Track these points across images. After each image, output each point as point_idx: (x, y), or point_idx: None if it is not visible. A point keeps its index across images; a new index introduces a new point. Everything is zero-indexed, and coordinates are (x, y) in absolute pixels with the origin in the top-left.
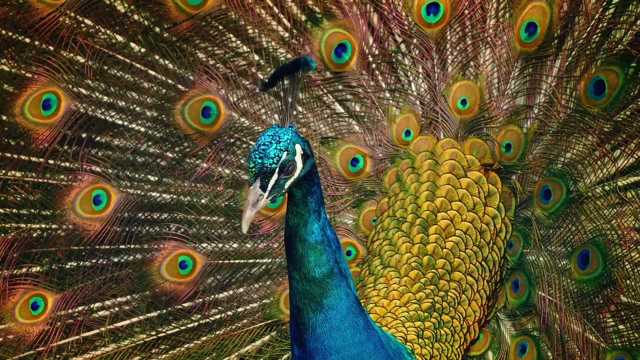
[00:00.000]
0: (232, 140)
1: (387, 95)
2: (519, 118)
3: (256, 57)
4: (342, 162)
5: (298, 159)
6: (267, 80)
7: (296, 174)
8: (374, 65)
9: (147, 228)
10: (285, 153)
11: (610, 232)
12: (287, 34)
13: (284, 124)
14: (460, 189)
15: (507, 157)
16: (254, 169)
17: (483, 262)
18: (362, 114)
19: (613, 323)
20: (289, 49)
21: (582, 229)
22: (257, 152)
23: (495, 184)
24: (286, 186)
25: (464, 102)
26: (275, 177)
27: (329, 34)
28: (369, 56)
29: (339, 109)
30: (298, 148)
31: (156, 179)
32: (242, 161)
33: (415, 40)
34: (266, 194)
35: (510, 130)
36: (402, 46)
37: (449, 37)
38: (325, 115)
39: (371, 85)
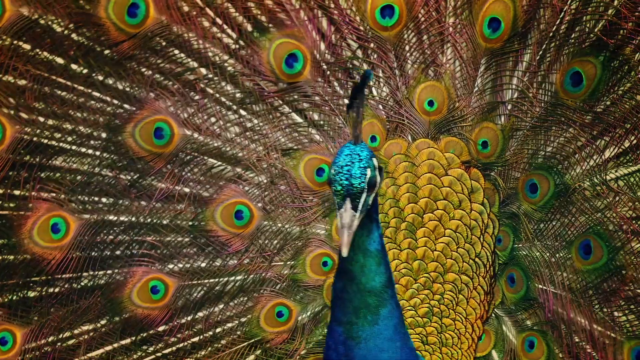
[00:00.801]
0: (189, 158)
1: (347, 102)
2: (493, 115)
3: (204, 71)
4: (307, 172)
5: (377, 173)
6: (348, 104)
7: (377, 188)
8: (329, 73)
9: (112, 253)
10: (369, 170)
11: (606, 222)
12: (235, 45)
13: (357, 140)
14: (443, 188)
15: (484, 155)
16: (342, 191)
17: (476, 259)
18: (322, 122)
19: (622, 313)
20: (237, 61)
21: (576, 221)
22: (341, 174)
23: (478, 179)
24: (370, 201)
25: (431, 103)
26: (364, 195)
27: (277, 45)
28: (323, 64)
29: (298, 118)
30: (375, 162)
31: (112, 201)
32: (201, 178)
33: (372, 45)
34: (358, 214)
35: (485, 128)
36: (359, 51)
37: (407, 39)
38: (284, 126)
39: (328, 92)
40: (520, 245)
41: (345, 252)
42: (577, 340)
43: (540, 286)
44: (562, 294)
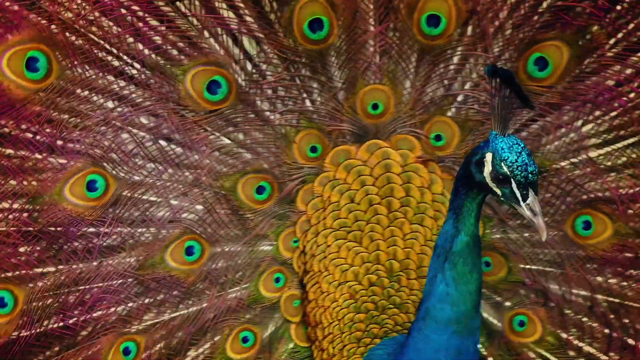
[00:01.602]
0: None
1: (280, 116)
2: (445, 108)
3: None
4: (247, 192)
5: None
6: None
7: None
8: (258, 92)
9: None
10: None
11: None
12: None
13: (505, 132)
14: (404, 184)
15: (439, 148)
16: (525, 181)
17: None
18: (259, 140)
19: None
20: (153, 92)
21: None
22: (521, 166)
23: (435, 171)
24: None
25: (375, 106)
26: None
27: (193, 74)
28: (249, 88)
29: (227, 141)
30: None
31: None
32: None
33: (303, 59)
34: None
35: (437, 121)
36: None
37: (341, 48)
38: (217, 153)
39: (259, 110)
40: (494, 230)
41: (545, 236)
42: (568, 311)
43: (522, 266)
44: (547, 269)
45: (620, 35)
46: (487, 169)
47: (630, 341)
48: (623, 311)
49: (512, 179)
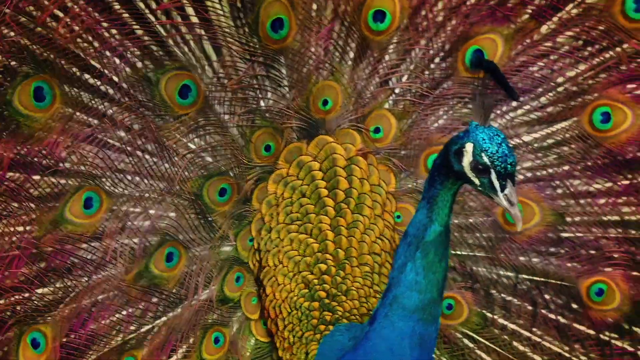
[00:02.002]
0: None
1: (238, 117)
2: (383, 101)
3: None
4: (211, 196)
5: None
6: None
7: None
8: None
9: None
10: None
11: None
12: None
13: (486, 123)
14: (348, 177)
15: (378, 140)
16: (504, 172)
17: (381, 237)
18: (214, 144)
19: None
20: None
21: None
22: (501, 157)
23: (373, 163)
24: None
25: (325, 102)
26: None
27: (167, 79)
28: (214, 91)
29: (192, 146)
30: None
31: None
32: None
33: (264, 59)
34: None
35: (376, 115)
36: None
37: (298, 47)
38: (188, 157)
39: (218, 113)
40: None
41: (520, 227)
42: (493, 291)
43: (451, 251)
44: (475, 253)
45: (550, 23)
46: (467, 159)
47: (552, 316)
48: (544, 288)
49: (492, 170)
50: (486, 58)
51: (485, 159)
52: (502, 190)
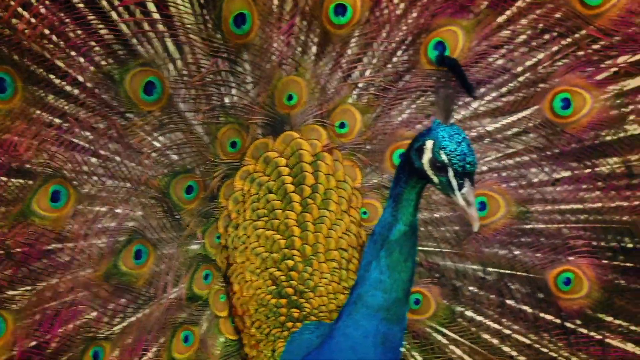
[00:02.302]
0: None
1: (203, 114)
2: (346, 96)
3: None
4: (178, 193)
5: None
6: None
7: None
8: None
9: None
10: None
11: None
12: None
13: (447, 120)
14: (314, 172)
15: (343, 135)
16: (462, 171)
17: (348, 232)
18: (179, 142)
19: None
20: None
21: None
22: (460, 155)
23: (338, 158)
24: None
25: (290, 97)
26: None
27: (132, 75)
28: (178, 87)
29: (156, 144)
30: None
31: None
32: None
33: (228, 55)
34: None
35: (341, 110)
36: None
37: (261, 42)
38: (153, 155)
39: (183, 110)
40: None
41: (477, 228)
42: (460, 284)
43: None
44: (442, 247)
45: (508, 12)
46: (427, 156)
47: (520, 307)
48: (511, 280)
49: (449, 168)
50: (447, 54)
51: (444, 157)
52: (460, 189)
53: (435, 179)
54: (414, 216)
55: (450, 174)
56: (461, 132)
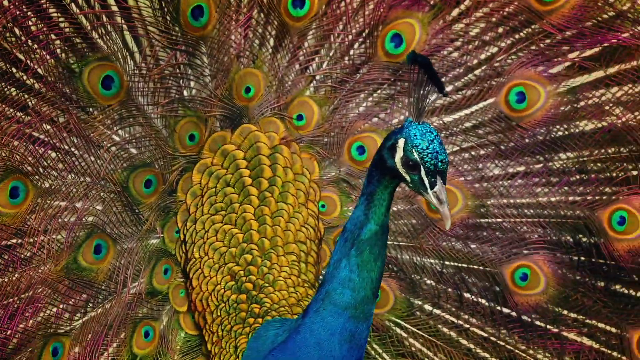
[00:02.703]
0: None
1: (161, 107)
2: (304, 88)
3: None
4: (137, 187)
5: None
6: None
7: None
8: (144, 84)
9: None
10: None
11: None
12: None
13: (420, 119)
14: (272, 165)
15: (301, 128)
16: (434, 169)
17: (306, 225)
18: (138, 135)
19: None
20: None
21: None
22: (431, 153)
23: (296, 151)
24: None
25: (248, 89)
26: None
27: (91, 69)
28: (136, 81)
29: (116, 138)
30: None
31: None
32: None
33: (185, 47)
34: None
35: (299, 102)
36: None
37: (218, 34)
38: (113, 149)
39: (141, 103)
40: (350, 208)
41: (449, 226)
42: (419, 278)
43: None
44: (399, 241)
45: (462, 6)
46: (399, 154)
47: (476, 300)
48: (468, 273)
49: (421, 166)
50: (420, 53)
51: (415, 155)
52: (432, 187)
53: (408, 177)
54: (386, 216)
55: (422, 172)
56: (433, 131)
